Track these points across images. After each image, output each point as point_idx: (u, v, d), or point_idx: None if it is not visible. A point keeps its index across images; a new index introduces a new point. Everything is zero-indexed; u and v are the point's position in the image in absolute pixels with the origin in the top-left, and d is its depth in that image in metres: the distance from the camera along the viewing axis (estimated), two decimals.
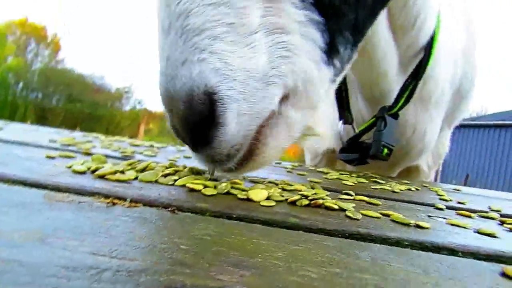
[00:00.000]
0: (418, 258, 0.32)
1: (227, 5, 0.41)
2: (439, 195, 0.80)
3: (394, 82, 0.94)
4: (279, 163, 1.11)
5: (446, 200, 0.74)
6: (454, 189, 1.05)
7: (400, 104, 0.92)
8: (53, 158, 0.58)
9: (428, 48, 0.91)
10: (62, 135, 1.01)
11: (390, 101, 0.94)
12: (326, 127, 0.60)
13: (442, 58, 0.98)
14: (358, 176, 0.93)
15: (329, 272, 0.25)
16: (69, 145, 0.78)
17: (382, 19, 0.82)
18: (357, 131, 1.01)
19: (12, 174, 0.41)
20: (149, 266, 0.22)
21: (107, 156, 0.71)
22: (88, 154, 0.69)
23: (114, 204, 0.35)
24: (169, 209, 0.36)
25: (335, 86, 0.58)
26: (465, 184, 8.18)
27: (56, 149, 0.70)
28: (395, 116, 0.94)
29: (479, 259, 0.36)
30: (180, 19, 0.41)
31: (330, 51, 0.51)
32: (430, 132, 1.04)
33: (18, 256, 0.20)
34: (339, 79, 0.58)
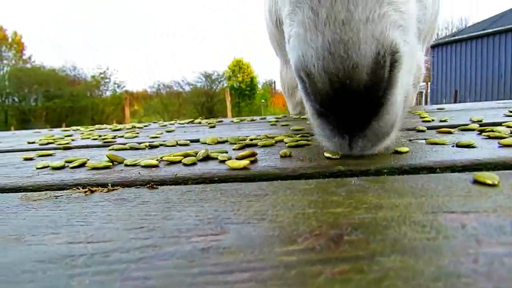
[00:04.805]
0: (394, 183, 0.33)
1: None
2: (422, 117, 0.81)
3: None
4: (264, 118, 1.12)
5: (428, 121, 0.75)
6: (438, 109, 1.06)
7: None
8: (31, 159, 0.58)
9: None
10: (41, 135, 1.00)
11: None
12: None
13: None
14: None
15: (303, 213, 0.26)
16: (48, 143, 0.77)
17: None
18: None
19: None
20: (123, 244, 0.22)
21: (88, 146, 0.71)
22: (67, 148, 0.68)
23: (92, 192, 0.35)
24: (148, 185, 0.37)
25: None
26: (455, 101, 8.26)
27: (34, 150, 0.69)
28: None
29: (456, 171, 0.37)
30: None
31: None
32: None
33: None
34: None
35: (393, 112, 0.38)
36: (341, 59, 0.33)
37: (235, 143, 0.59)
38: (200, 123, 1.09)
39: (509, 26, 8.94)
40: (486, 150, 0.44)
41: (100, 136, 0.83)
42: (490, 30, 9.34)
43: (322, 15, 0.34)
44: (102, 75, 18.22)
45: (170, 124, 1.10)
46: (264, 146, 0.55)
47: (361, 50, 0.33)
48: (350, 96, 0.35)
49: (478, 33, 9.63)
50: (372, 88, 0.35)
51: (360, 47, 0.33)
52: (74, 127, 1.18)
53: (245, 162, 0.43)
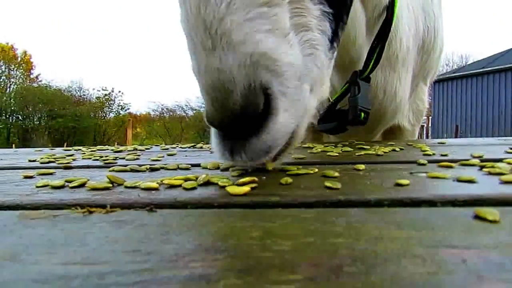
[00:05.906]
0: (394, 215, 0.32)
1: (261, 16, 0.44)
2: (423, 151, 0.81)
3: (363, 46, 0.94)
4: None
5: (429, 155, 0.75)
6: (439, 143, 1.06)
7: (370, 67, 0.92)
8: (31, 177, 0.58)
9: (391, 7, 0.90)
10: (42, 154, 1.00)
11: (360, 66, 0.94)
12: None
13: (404, 15, 0.98)
14: (343, 146, 0.94)
15: (302, 242, 0.25)
16: (48, 162, 0.78)
17: None
18: (331, 100, 1.01)
19: None
20: (120, 267, 0.22)
21: (88, 166, 0.71)
22: (68, 168, 0.68)
23: (91, 212, 0.35)
24: (147, 208, 0.36)
25: None
26: (456, 136, 8.30)
27: (35, 168, 0.69)
28: (367, 79, 0.95)
29: (457, 206, 0.37)
30: (223, 38, 0.42)
31: (333, 37, 0.56)
32: (401, 91, 1.05)
33: None
34: None
35: (271, 136, 0.45)
36: (218, 86, 0.42)
37: (236, 169, 0.59)
38: (201, 148, 1.10)
39: (509, 65, 9.11)
40: (487, 186, 0.43)
41: (101, 157, 0.83)
42: (490, 68, 9.52)
43: (201, 67, 0.43)
44: (106, 97, 18.46)
45: (172, 147, 1.10)
46: (265, 173, 0.55)
47: (234, 78, 0.41)
48: (227, 114, 0.43)
49: (479, 70, 9.82)
50: (245, 111, 0.42)
51: (234, 78, 0.41)
52: (76, 147, 1.18)
53: (245, 189, 0.43)
